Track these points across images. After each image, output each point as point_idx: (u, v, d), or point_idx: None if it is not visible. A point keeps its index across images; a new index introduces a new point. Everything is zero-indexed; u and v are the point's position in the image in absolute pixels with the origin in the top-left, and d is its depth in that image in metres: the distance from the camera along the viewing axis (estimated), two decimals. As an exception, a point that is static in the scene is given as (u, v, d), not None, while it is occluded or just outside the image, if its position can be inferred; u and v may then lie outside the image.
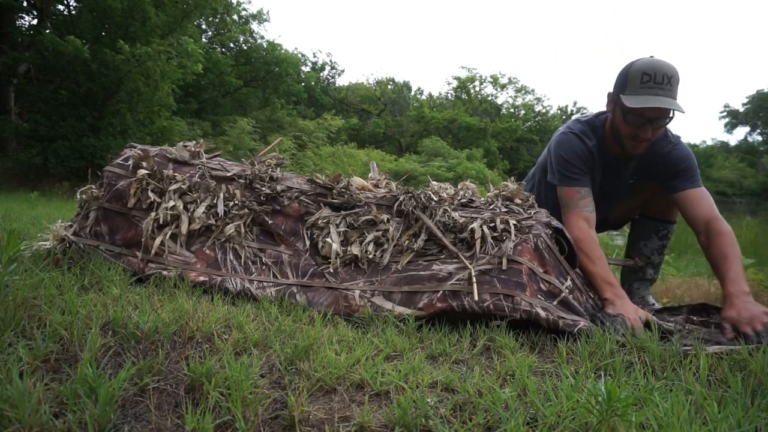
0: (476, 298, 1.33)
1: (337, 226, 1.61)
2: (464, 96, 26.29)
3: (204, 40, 16.14)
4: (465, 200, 1.69)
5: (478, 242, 1.45)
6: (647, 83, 1.53)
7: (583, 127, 1.78)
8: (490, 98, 26.49)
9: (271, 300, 1.44)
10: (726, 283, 1.50)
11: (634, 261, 1.97)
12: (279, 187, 1.70)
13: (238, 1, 16.40)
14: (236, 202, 1.67)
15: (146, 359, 0.91)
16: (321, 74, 23.04)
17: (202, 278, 1.53)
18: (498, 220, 1.50)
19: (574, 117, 1.89)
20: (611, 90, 1.69)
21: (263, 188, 1.69)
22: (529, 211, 1.58)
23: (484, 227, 1.48)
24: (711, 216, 1.63)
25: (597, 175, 1.80)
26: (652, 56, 1.58)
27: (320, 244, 1.60)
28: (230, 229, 1.62)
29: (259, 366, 0.94)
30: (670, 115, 1.59)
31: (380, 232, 1.58)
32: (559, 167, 1.74)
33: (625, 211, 2.04)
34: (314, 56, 26.75)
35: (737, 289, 1.46)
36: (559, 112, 27.70)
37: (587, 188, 1.71)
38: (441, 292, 1.38)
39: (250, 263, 1.59)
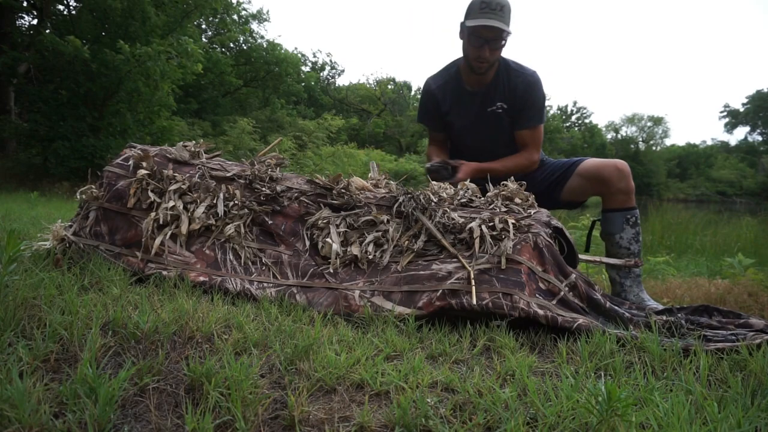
0: (474, 302, 1.33)
1: (337, 226, 1.62)
2: (464, 96, 26.19)
3: (204, 40, 16.14)
4: (465, 200, 1.69)
5: (476, 241, 1.45)
6: (484, 9, 1.91)
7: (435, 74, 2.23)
8: (490, 98, 26.41)
9: (271, 300, 1.44)
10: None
11: (634, 261, 1.95)
12: (279, 188, 1.70)
13: (238, 1, 16.41)
14: (236, 202, 1.67)
15: (146, 359, 0.91)
16: (321, 74, 23.06)
17: (202, 278, 1.53)
18: (497, 220, 1.50)
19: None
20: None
21: (263, 188, 1.69)
22: (528, 211, 1.59)
23: (483, 227, 1.49)
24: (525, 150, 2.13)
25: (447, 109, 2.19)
26: None
27: (320, 245, 1.60)
28: (230, 229, 1.62)
29: (259, 366, 0.94)
30: (503, 36, 1.94)
31: (380, 233, 1.58)
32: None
33: (575, 190, 2.09)
34: (314, 56, 26.78)
35: (473, 165, 2.05)
36: (559, 112, 27.69)
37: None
38: (440, 291, 1.38)
39: (249, 263, 1.59)
